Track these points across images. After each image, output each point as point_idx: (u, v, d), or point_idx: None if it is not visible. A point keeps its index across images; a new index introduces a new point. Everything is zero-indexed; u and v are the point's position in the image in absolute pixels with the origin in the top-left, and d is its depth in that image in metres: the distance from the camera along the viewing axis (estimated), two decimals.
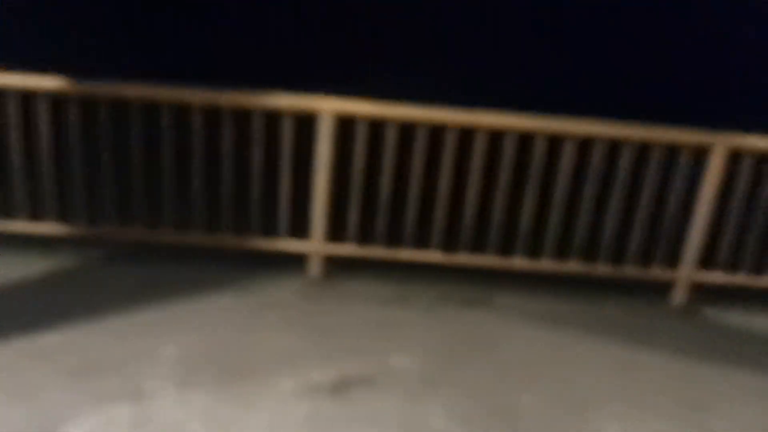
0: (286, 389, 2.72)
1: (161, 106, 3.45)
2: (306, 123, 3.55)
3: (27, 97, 3.42)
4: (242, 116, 3.51)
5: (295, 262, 3.84)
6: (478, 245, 3.77)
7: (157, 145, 3.53)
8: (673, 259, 3.83)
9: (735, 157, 3.63)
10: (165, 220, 3.64)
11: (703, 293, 3.95)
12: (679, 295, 3.89)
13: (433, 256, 3.79)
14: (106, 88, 3.42)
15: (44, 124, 3.44)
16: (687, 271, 3.84)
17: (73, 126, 3.46)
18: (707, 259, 3.83)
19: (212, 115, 3.50)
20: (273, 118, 3.52)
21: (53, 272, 3.55)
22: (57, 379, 2.64)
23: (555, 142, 3.61)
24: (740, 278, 3.87)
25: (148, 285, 3.49)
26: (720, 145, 3.61)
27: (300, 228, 3.74)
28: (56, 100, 3.43)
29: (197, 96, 3.45)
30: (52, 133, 3.48)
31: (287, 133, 3.52)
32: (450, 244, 3.77)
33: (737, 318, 3.85)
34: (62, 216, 3.63)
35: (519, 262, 3.80)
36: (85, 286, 3.43)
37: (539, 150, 3.61)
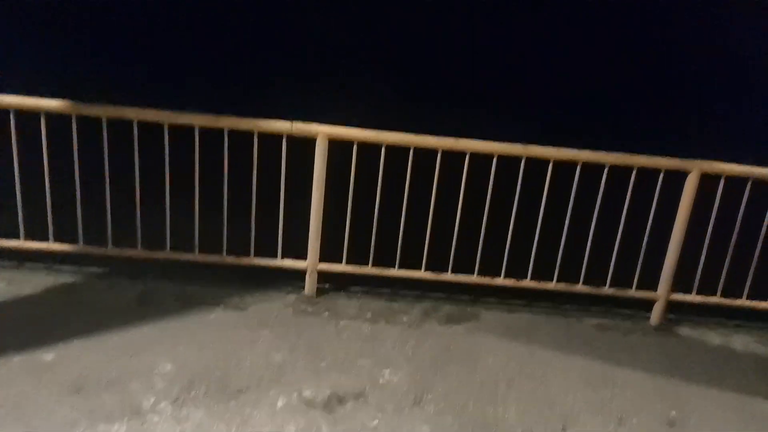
0: (279, 405, 2.82)
1: (163, 128, 3.56)
2: (302, 147, 3.67)
3: (28, 118, 3.51)
4: (241, 139, 3.63)
5: (290, 279, 3.95)
6: (463, 264, 3.90)
7: (158, 166, 3.63)
8: (650, 279, 3.99)
9: (708, 181, 3.80)
10: (164, 239, 3.74)
11: (679, 313, 4.12)
12: (656, 315, 4.04)
13: (420, 274, 3.92)
14: (107, 110, 3.53)
15: (46, 144, 3.54)
16: (664, 291, 3.99)
17: (74, 146, 3.56)
18: (683, 280, 3.99)
19: (212, 137, 3.61)
20: (270, 141, 3.65)
21: (53, 289, 3.63)
22: (53, 396, 2.71)
23: (537, 166, 3.76)
24: (716, 298, 4.03)
25: (146, 302, 3.58)
26: (695, 169, 3.78)
27: (295, 246, 3.86)
28: (58, 121, 3.53)
29: (197, 119, 3.57)
30: (54, 152, 3.57)
31: (284, 156, 3.65)
32: (436, 262, 3.91)
33: (713, 337, 4.00)
34: (63, 234, 3.71)
35: (502, 281, 3.94)
36: (83, 303, 3.51)
37: (523, 174, 3.75)
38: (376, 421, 2.79)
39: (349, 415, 2.81)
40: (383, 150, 3.69)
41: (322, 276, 3.93)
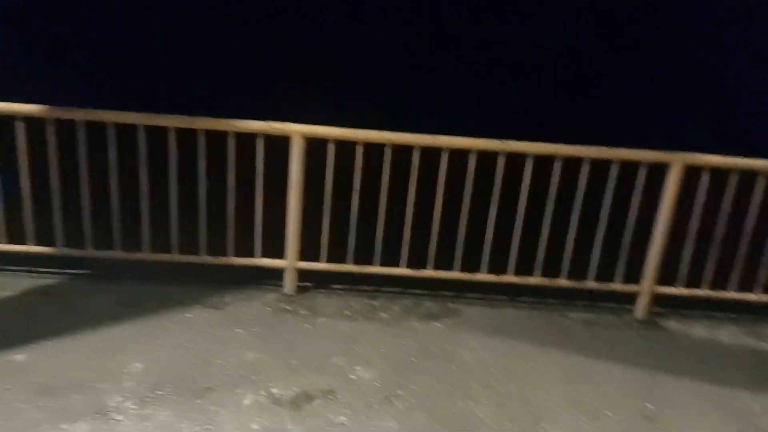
0: (246, 403, 2.82)
1: (138, 131, 3.58)
2: (278, 146, 3.68)
3: (5, 123, 3.56)
4: (217, 140, 3.64)
5: (270, 278, 3.96)
6: (443, 260, 3.88)
7: (135, 168, 3.66)
8: (634, 272, 3.92)
9: (691, 174, 3.74)
10: (143, 240, 3.77)
11: (665, 306, 4.05)
12: (641, 308, 3.97)
13: (401, 270, 3.90)
14: (83, 113, 3.56)
15: (24, 148, 3.58)
16: (648, 284, 3.93)
17: (52, 150, 3.59)
18: (668, 273, 3.92)
19: (188, 139, 3.63)
20: (247, 141, 3.66)
21: (31, 291, 3.67)
22: (21, 396, 2.73)
23: (516, 161, 3.72)
24: (703, 291, 3.95)
25: (123, 303, 3.61)
26: (677, 161, 3.71)
27: (273, 245, 3.86)
28: (35, 125, 3.57)
29: (173, 120, 3.59)
30: (32, 156, 3.61)
31: (261, 155, 3.65)
32: (417, 259, 3.88)
33: (700, 330, 3.93)
34: (43, 236, 3.75)
35: (483, 276, 3.91)
36: (61, 305, 3.54)
37: (501, 169, 3.72)
38: (343, 418, 2.78)
39: (315, 412, 2.80)
40: (360, 148, 3.68)
41: (302, 274, 3.93)
